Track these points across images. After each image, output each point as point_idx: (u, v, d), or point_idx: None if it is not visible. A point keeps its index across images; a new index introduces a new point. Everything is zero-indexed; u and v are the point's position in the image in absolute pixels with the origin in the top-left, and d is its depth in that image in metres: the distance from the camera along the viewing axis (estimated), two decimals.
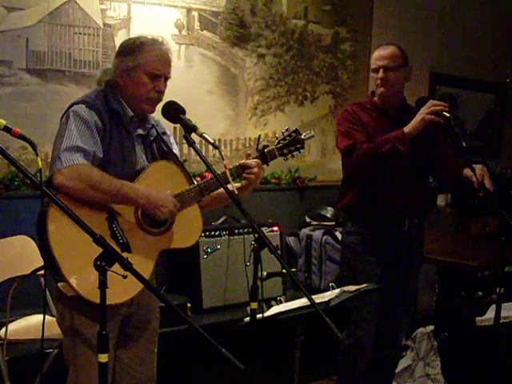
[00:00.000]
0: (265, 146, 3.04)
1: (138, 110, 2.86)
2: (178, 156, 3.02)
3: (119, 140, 2.79)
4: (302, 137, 3.10)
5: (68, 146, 2.62)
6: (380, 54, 3.86)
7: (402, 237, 3.93)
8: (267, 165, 3.05)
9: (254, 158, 3.00)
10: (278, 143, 3.06)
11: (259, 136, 3.24)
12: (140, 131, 2.90)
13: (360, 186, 3.91)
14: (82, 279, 2.57)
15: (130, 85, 2.81)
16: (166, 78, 2.86)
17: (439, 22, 6.72)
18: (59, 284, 2.69)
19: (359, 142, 3.74)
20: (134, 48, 2.81)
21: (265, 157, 3.02)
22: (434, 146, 3.94)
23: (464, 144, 3.49)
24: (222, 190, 2.82)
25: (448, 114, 3.55)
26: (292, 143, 3.07)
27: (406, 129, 3.66)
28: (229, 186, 2.72)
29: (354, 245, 3.95)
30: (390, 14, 6.24)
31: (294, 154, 3.09)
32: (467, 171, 3.59)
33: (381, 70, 3.82)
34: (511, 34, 7.53)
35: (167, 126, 3.07)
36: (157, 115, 2.94)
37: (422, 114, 3.62)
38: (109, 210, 2.71)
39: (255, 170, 2.95)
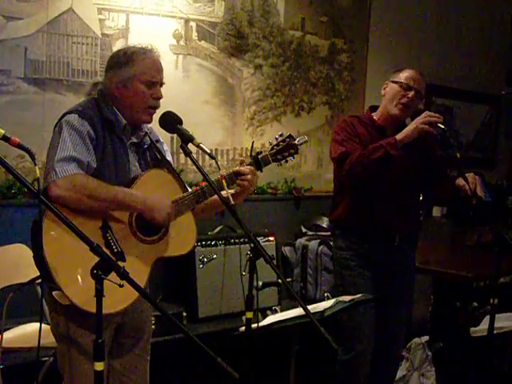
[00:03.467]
0: (258, 153, 3.04)
1: (136, 120, 2.86)
2: (172, 163, 3.02)
3: (112, 149, 2.78)
4: (296, 142, 3.09)
5: (62, 156, 2.62)
6: (417, 76, 3.78)
7: (393, 251, 3.92)
8: (261, 171, 3.05)
9: (247, 165, 3.00)
10: (272, 149, 3.06)
11: (253, 142, 3.25)
12: (133, 139, 2.90)
13: (351, 199, 3.90)
14: (77, 289, 2.57)
15: (127, 95, 2.81)
16: (162, 84, 2.87)
17: (435, 33, 6.75)
18: (54, 293, 2.68)
19: (353, 151, 3.70)
20: (127, 59, 2.80)
21: (258, 163, 3.02)
22: (430, 161, 3.94)
23: (458, 155, 3.50)
24: (216, 197, 2.82)
25: (442, 126, 3.56)
26: (285, 148, 3.07)
27: (399, 136, 3.64)
28: (223, 193, 2.73)
29: (346, 260, 3.94)
30: (387, 26, 6.26)
31: (288, 159, 3.08)
32: (460, 181, 3.59)
33: (413, 92, 3.75)
34: (507, 46, 7.56)
35: (164, 136, 3.07)
36: (154, 125, 2.95)
37: (415, 122, 3.62)
38: (103, 219, 2.71)
39: (249, 176, 2.95)
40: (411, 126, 3.63)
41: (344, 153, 3.73)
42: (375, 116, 3.92)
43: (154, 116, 2.88)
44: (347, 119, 3.96)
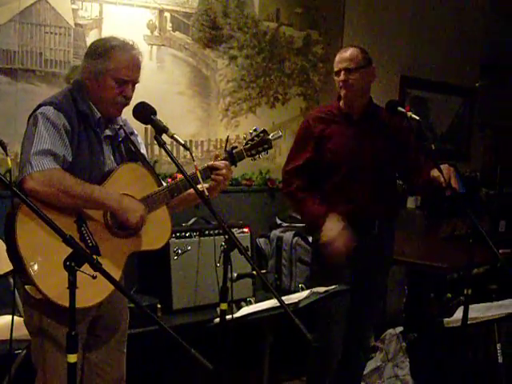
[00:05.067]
0: (233, 148, 3.06)
1: (105, 113, 2.85)
2: (146, 156, 3.02)
3: (88, 142, 2.78)
4: (270, 137, 3.13)
5: (38, 149, 2.61)
6: (340, 57, 3.89)
7: (371, 239, 3.94)
8: (235, 166, 3.08)
9: (222, 160, 3.01)
10: (246, 144, 3.09)
11: (227, 137, 3.27)
12: (108, 132, 2.90)
13: (327, 188, 3.93)
14: (50, 282, 2.56)
15: (96, 88, 2.81)
16: (134, 83, 2.86)
17: (410, 25, 6.77)
18: (27, 287, 2.67)
19: (293, 176, 3.95)
20: (104, 51, 2.79)
21: (233, 158, 3.04)
22: (405, 149, 3.97)
23: (433, 147, 3.53)
24: (191, 190, 2.85)
25: (417, 117, 3.58)
26: (260, 143, 3.10)
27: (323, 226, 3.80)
28: (198, 187, 2.73)
29: (322, 247, 3.95)
30: (362, 17, 6.28)
31: (262, 154, 3.12)
32: (434, 172, 3.62)
33: (342, 72, 3.85)
34: (480, 38, 7.61)
35: (137, 127, 3.07)
36: (127, 115, 2.94)
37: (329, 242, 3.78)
38: (78, 213, 2.70)
39: (223, 171, 2.96)
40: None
41: (287, 172, 4.01)
42: (341, 105, 4.00)
43: (128, 107, 2.87)
44: (305, 122, 4.08)
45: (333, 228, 3.78)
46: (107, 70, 2.77)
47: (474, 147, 7.98)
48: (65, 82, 2.93)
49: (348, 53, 3.88)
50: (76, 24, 4.43)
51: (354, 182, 3.87)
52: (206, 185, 2.95)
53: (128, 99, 2.84)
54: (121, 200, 2.73)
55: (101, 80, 2.78)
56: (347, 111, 3.96)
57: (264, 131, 3.12)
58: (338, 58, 3.91)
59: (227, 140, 3.15)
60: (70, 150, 2.70)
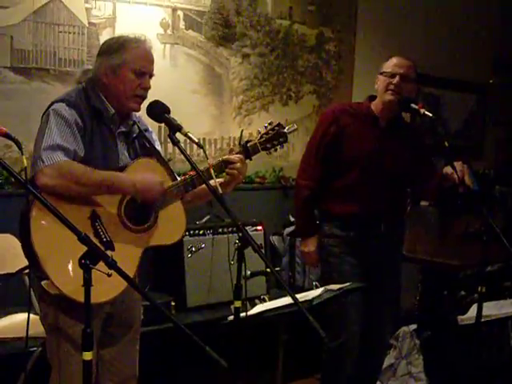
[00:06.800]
0: (247, 141, 3.01)
1: (123, 108, 2.85)
2: (161, 152, 3.02)
3: (101, 138, 2.78)
4: (285, 130, 3.05)
5: (48, 144, 2.62)
6: (400, 62, 3.85)
7: (379, 238, 3.94)
8: (250, 159, 3.02)
9: (236, 153, 2.98)
10: (261, 137, 3.02)
11: (242, 131, 3.24)
12: (122, 128, 2.90)
13: (336, 187, 3.93)
14: (65, 278, 2.57)
15: (115, 82, 2.81)
16: (151, 76, 2.87)
17: (424, 22, 6.75)
18: (43, 282, 2.68)
19: (307, 187, 3.98)
20: (119, 46, 2.81)
21: (248, 151, 2.99)
22: (419, 150, 3.97)
23: (446, 144, 3.51)
24: (204, 186, 2.80)
25: (430, 114, 3.58)
26: (275, 137, 3.02)
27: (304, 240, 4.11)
28: (212, 182, 2.72)
29: (331, 246, 3.97)
30: (375, 15, 6.26)
31: (277, 147, 3.05)
32: (448, 169, 3.62)
33: (397, 77, 3.80)
34: (494, 36, 7.57)
35: (152, 125, 3.07)
36: (141, 113, 2.94)
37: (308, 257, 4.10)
38: (92, 208, 2.71)
39: (238, 165, 2.92)
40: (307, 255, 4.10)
41: (298, 184, 4.10)
42: (373, 106, 3.94)
43: (142, 105, 2.88)
44: (331, 112, 4.02)
45: (308, 246, 4.04)
46: (125, 62, 2.78)
47: (488, 145, 7.95)
48: (76, 84, 2.92)
49: (408, 61, 3.87)
50: (89, 23, 4.45)
51: (366, 185, 3.87)
52: (221, 179, 2.94)
53: (146, 91, 2.85)
54: (134, 179, 2.72)
55: (119, 73, 2.79)
56: (377, 115, 3.92)
57: (279, 124, 3.04)
58: (396, 61, 3.86)
59: (241, 134, 3.12)
60: (82, 146, 2.71)
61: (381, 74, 3.88)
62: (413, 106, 3.68)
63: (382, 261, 3.99)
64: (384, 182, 3.89)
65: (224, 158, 2.96)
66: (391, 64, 3.86)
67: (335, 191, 3.93)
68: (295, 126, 3.11)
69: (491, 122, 7.90)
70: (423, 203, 6.55)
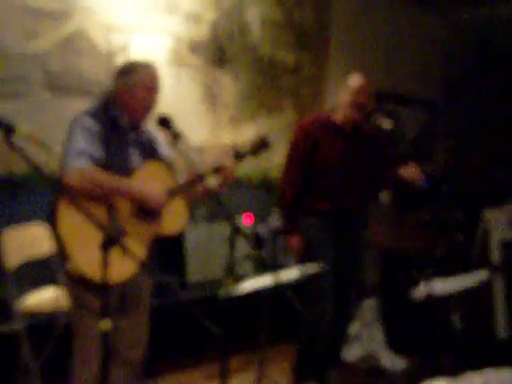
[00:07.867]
0: (237, 148, 3.14)
1: (135, 119, 2.91)
2: (167, 156, 3.08)
3: (116, 144, 2.83)
4: (266, 139, 3.20)
5: (74, 152, 2.67)
6: (366, 82, 3.78)
7: (348, 228, 3.97)
8: (240, 162, 3.13)
9: (228, 157, 3.06)
10: (249, 145, 3.17)
11: (232, 141, 3.33)
12: (133, 136, 2.95)
13: (316, 189, 3.93)
14: (87, 261, 2.60)
15: (129, 99, 2.87)
16: (157, 93, 2.93)
17: (385, 48, 6.77)
18: (68, 265, 2.70)
19: (291, 193, 3.88)
20: (132, 69, 2.88)
21: (238, 157, 3.10)
22: (380, 155, 4.00)
23: (402, 150, 3.55)
24: (203, 186, 2.94)
25: (390, 126, 3.61)
26: (259, 144, 3.18)
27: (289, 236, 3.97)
28: (209, 183, 2.84)
29: (309, 229, 3.96)
30: (345, 42, 6.29)
31: (261, 153, 3.19)
32: (402, 169, 3.65)
33: (364, 96, 3.76)
34: (442, 59, 7.60)
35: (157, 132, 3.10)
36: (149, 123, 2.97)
37: None
38: (109, 203, 2.74)
39: (230, 169, 3.02)
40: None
41: (282, 189, 3.95)
42: (336, 118, 3.91)
43: (150, 116, 2.94)
44: (302, 128, 3.96)
45: (292, 240, 3.94)
46: (137, 81, 2.85)
47: (439, 153, 7.97)
48: (97, 99, 2.96)
49: (367, 78, 3.80)
50: (108, 50, 4.44)
51: (338, 187, 3.88)
52: (216, 181, 3.01)
53: (153, 105, 2.93)
54: (141, 190, 2.79)
55: (133, 91, 2.86)
56: (342, 126, 3.90)
57: (262, 135, 3.22)
58: (362, 81, 3.78)
59: (233, 143, 3.21)
60: (101, 150, 2.75)
61: (345, 90, 3.84)
62: (374, 118, 3.70)
63: (351, 246, 4.01)
64: (351, 182, 3.91)
65: (218, 163, 3.03)
66: (357, 84, 3.79)
67: (312, 192, 3.93)
68: (270, 138, 3.23)
69: (443, 134, 7.93)
70: (382, 198, 6.58)
